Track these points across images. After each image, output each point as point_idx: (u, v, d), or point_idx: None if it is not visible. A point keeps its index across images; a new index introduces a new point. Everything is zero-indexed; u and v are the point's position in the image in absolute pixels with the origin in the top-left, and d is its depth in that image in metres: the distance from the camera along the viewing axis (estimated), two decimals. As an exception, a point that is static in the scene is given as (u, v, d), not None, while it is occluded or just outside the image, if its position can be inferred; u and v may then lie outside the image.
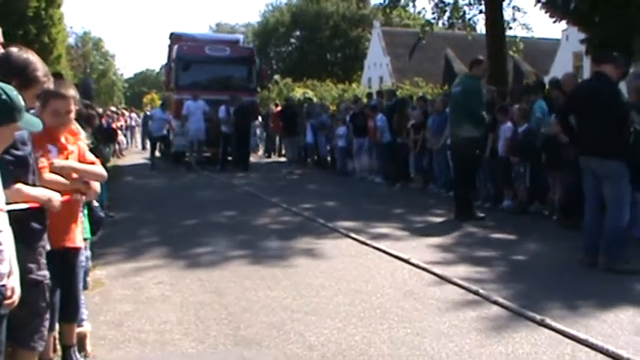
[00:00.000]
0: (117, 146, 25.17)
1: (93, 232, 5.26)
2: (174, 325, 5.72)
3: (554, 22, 19.96)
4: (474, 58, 12.12)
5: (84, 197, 4.53)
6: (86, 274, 5.40)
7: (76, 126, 4.69)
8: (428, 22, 26.68)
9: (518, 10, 24.66)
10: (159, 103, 27.89)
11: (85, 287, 5.33)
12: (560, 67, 30.31)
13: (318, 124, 21.35)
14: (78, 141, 4.54)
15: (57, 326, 4.50)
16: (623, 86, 8.42)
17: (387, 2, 25.87)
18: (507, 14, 23.57)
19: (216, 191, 15.74)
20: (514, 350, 5.07)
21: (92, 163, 4.53)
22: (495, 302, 6.27)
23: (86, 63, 77.47)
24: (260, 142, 29.46)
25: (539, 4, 19.49)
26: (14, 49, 3.74)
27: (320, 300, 6.46)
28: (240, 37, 32.10)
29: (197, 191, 15.64)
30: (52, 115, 4.20)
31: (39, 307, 3.73)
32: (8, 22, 27.25)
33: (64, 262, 4.34)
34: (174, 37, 25.31)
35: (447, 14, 25.70)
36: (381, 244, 8.93)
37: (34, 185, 3.64)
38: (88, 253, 5.44)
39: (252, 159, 23.21)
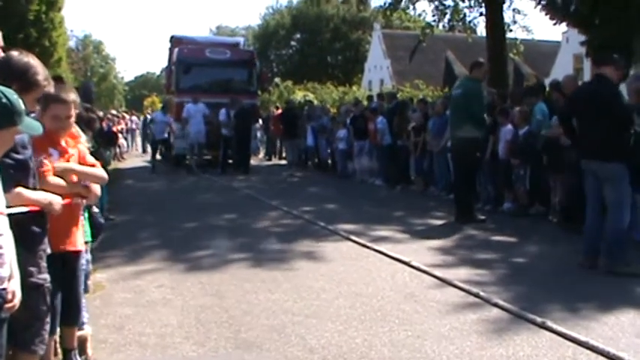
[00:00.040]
0: (117, 149, 25.18)
1: (93, 237, 5.26)
2: (175, 329, 5.72)
3: (555, 24, 19.98)
4: (474, 60, 12.13)
5: (84, 200, 4.54)
6: (87, 277, 5.40)
7: (76, 129, 4.69)
8: (428, 25, 26.70)
9: (519, 12, 24.71)
10: (159, 106, 27.92)
11: (86, 290, 5.33)
12: (561, 70, 30.31)
13: (318, 126, 21.36)
14: (78, 144, 4.55)
15: (58, 330, 4.50)
16: (623, 88, 8.41)
17: (387, 5, 25.86)
18: (508, 17, 23.59)
19: (217, 194, 15.74)
20: (515, 353, 5.07)
21: (93, 166, 4.54)
22: (496, 305, 6.27)
23: (87, 66, 77.52)
24: (261, 144, 29.47)
25: (540, 6, 19.51)
26: (15, 53, 3.75)
27: (321, 303, 6.46)
28: (241, 39, 32.09)
29: (197, 194, 15.65)
30: (53, 120, 4.21)
31: (40, 311, 3.73)
32: (9, 25, 27.29)
33: (64, 265, 4.35)
34: (175, 40, 25.31)
35: (448, 17, 25.70)
36: (382, 247, 8.93)
37: (34, 189, 3.65)
38: (89, 256, 5.44)
39: (253, 162, 23.22)
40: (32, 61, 3.73)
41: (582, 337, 5.25)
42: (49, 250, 3.85)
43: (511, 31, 24.15)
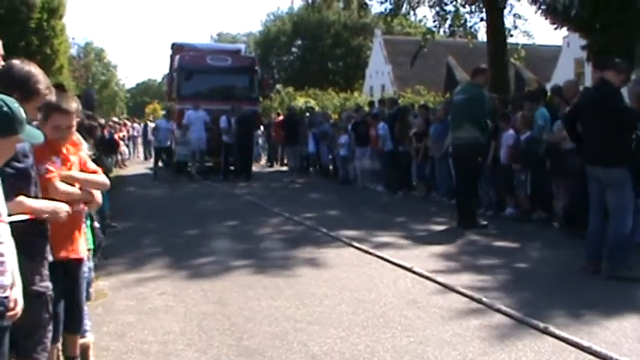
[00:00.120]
0: (119, 157, 25.20)
1: (94, 249, 5.27)
2: (178, 336, 5.72)
3: (556, 28, 20.03)
4: (476, 66, 12.14)
5: (86, 208, 4.54)
6: (89, 284, 5.41)
7: (77, 137, 4.69)
8: (429, 30, 26.70)
9: (520, 17, 24.63)
10: (161, 113, 27.94)
11: (88, 298, 5.34)
12: (562, 74, 30.31)
13: (320, 133, 21.37)
14: (79, 152, 4.55)
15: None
16: (624, 92, 8.41)
17: (388, 11, 25.85)
18: (508, 22, 23.56)
19: (219, 201, 15.74)
20: (517, 358, 5.06)
21: (94, 172, 4.54)
22: (498, 310, 6.26)
23: (88, 74, 77.65)
24: (262, 151, 29.49)
25: (540, 11, 19.53)
26: (16, 62, 3.75)
27: (323, 309, 6.45)
28: (242, 46, 32.16)
29: (199, 201, 15.65)
30: (54, 130, 4.20)
31: (42, 319, 3.73)
32: (10, 33, 27.39)
33: (66, 273, 4.35)
34: (176, 48, 25.35)
35: (448, 22, 25.69)
36: (384, 253, 8.92)
37: (36, 197, 3.65)
38: (91, 264, 5.45)
39: (255, 168, 23.25)
40: (33, 69, 3.74)
41: (585, 343, 5.24)
42: (51, 258, 3.85)
43: (512, 36, 24.16)
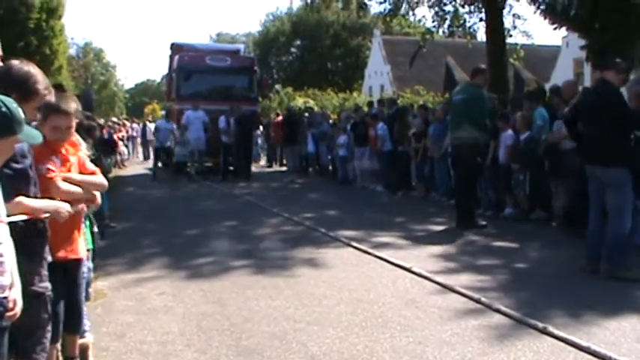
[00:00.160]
0: (118, 157, 25.20)
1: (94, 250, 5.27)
2: (177, 336, 5.72)
3: (555, 28, 20.00)
4: (476, 67, 12.14)
5: (85, 208, 4.54)
6: (88, 285, 5.40)
7: (76, 137, 4.69)
8: (428, 31, 26.67)
9: (519, 17, 24.61)
10: (160, 113, 27.93)
11: (87, 298, 5.33)
12: (561, 74, 30.33)
13: (319, 133, 21.37)
14: (78, 152, 4.55)
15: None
16: (623, 92, 8.41)
17: (387, 11, 25.84)
18: (507, 22, 23.55)
19: (218, 201, 15.74)
20: (516, 358, 5.06)
21: (93, 173, 4.53)
22: (497, 310, 6.26)
23: (87, 74, 77.69)
24: (261, 151, 29.49)
25: (539, 11, 19.52)
26: (15, 62, 3.75)
27: (322, 309, 6.45)
28: (241, 46, 32.15)
29: (198, 201, 15.65)
30: (53, 130, 4.19)
31: (41, 319, 3.73)
32: (9, 33, 27.41)
33: (66, 273, 4.35)
34: (175, 48, 25.35)
35: (447, 22, 25.65)
36: (383, 253, 8.93)
37: (35, 198, 3.64)
38: (90, 264, 5.44)
39: (254, 168, 23.25)
40: (32, 70, 3.74)
41: (584, 343, 5.24)
42: (50, 259, 3.85)
43: (511, 36, 24.15)
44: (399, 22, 42.90)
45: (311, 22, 62.71)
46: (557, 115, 10.93)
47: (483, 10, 22.70)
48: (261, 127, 27.68)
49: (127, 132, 33.90)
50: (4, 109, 2.95)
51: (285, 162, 25.65)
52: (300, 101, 38.48)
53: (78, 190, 4.29)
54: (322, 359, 5.11)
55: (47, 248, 3.81)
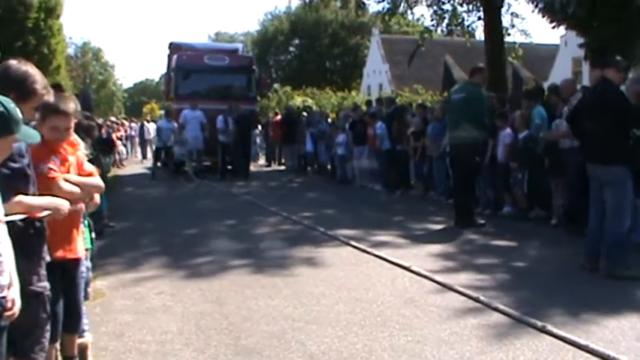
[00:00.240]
0: (117, 156, 25.18)
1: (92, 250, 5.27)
2: (175, 336, 5.72)
3: (553, 27, 20.02)
4: (474, 66, 12.16)
5: (84, 208, 4.54)
6: (87, 284, 5.39)
7: (74, 137, 4.68)
8: (427, 29, 26.65)
9: (517, 16, 24.62)
10: (158, 113, 27.90)
11: (86, 298, 5.33)
12: (560, 73, 30.33)
13: (317, 132, 21.37)
14: (76, 152, 4.54)
15: (58, 337, 4.50)
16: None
17: (385, 10, 25.82)
18: (506, 20, 23.53)
19: (216, 200, 15.74)
20: (515, 357, 5.06)
21: (90, 174, 4.53)
22: (496, 309, 6.27)
23: (86, 73, 77.60)
24: (260, 150, 29.48)
25: (538, 10, 19.53)
26: (13, 62, 3.74)
27: (321, 308, 6.45)
28: (240, 46, 32.16)
29: (197, 200, 15.64)
30: (51, 131, 4.17)
31: (39, 319, 3.73)
32: (8, 33, 27.44)
33: (64, 273, 4.34)
34: (174, 47, 25.33)
35: (446, 21, 25.64)
36: (382, 252, 8.93)
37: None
38: (89, 263, 5.43)
39: (253, 168, 23.23)
40: (30, 69, 3.73)
41: (582, 341, 5.25)
42: (48, 258, 3.85)
43: (509, 35, 24.14)
44: (397, 21, 43.01)
45: (309, 21, 62.71)
46: (555, 114, 10.93)
47: (482, 8, 22.68)
48: (259, 127, 27.66)
49: (126, 131, 33.88)
50: (1, 108, 2.95)
51: (283, 161, 25.63)
52: (298, 100, 38.48)
53: (79, 190, 4.28)
54: (321, 358, 5.11)
55: (46, 248, 3.81)
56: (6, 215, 3.16)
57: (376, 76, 49.67)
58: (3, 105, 2.96)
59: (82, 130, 5.66)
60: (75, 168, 4.40)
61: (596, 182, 7.84)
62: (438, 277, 7.49)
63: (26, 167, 3.60)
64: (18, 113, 3.03)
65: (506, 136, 11.93)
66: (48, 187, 3.93)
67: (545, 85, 16.71)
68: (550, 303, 6.51)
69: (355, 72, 58.78)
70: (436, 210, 13.25)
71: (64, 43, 38.15)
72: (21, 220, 3.42)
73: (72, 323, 4.55)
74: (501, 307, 6.30)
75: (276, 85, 46.89)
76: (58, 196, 3.88)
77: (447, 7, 25.21)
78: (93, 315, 6.01)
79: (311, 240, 10.16)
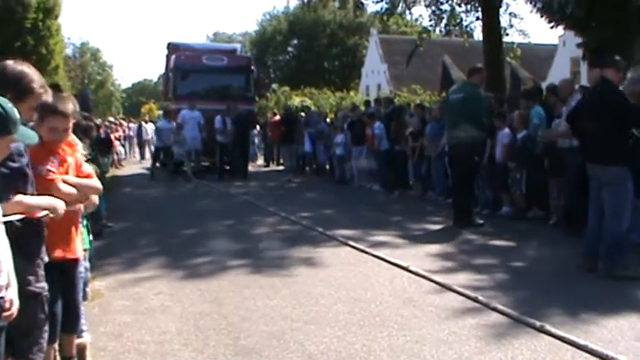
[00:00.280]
0: (115, 157, 25.16)
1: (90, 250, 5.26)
2: (174, 336, 5.71)
3: (551, 27, 20.02)
4: (472, 66, 12.15)
5: (82, 208, 4.53)
6: (85, 285, 5.39)
7: (72, 137, 4.68)
8: (425, 30, 26.64)
9: (515, 16, 24.65)
10: (157, 113, 27.87)
11: (85, 298, 5.32)
12: (558, 73, 30.32)
13: (316, 132, 21.37)
14: (75, 152, 4.53)
15: (56, 338, 4.49)
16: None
17: (384, 10, 25.83)
18: (504, 21, 23.55)
19: (215, 200, 15.73)
20: (514, 357, 5.06)
21: (88, 176, 4.52)
22: (495, 309, 6.27)
23: (84, 73, 77.50)
24: (258, 150, 29.47)
25: (536, 10, 19.54)
26: (9, 62, 3.73)
27: (319, 308, 6.45)
28: (238, 46, 32.15)
29: (196, 200, 15.64)
30: (50, 132, 4.15)
31: (38, 319, 3.72)
32: (6, 33, 27.42)
33: (63, 273, 4.33)
34: (172, 47, 25.33)
35: (444, 21, 25.67)
36: (380, 252, 8.92)
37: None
38: (87, 264, 5.43)
39: (251, 168, 23.25)
40: (27, 69, 3.71)
41: (581, 341, 5.25)
42: (46, 258, 3.84)
43: (508, 35, 24.16)
44: (395, 21, 43.01)
45: (308, 21, 62.71)
46: (553, 114, 10.94)
47: (480, 8, 22.70)
48: (258, 127, 27.65)
49: (124, 132, 33.85)
50: (-1, 108, 2.95)
51: (282, 161, 25.65)
52: (297, 100, 38.50)
53: (74, 191, 4.27)
54: (320, 358, 5.11)
55: (44, 248, 3.80)
56: (5, 215, 3.16)
57: (374, 76, 49.64)
58: (0, 105, 2.96)
59: (81, 131, 5.65)
60: (74, 169, 4.39)
61: (596, 182, 7.84)
62: (436, 277, 7.49)
63: (25, 167, 3.59)
64: (16, 113, 3.03)
65: (505, 136, 11.94)
66: (46, 188, 3.92)
67: (544, 85, 16.70)
68: (549, 303, 6.51)
69: (353, 72, 58.75)
70: (434, 210, 13.25)
71: (62, 43, 38.11)
72: (19, 220, 3.41)
73: (70, 323, 4.54)
74: (500, 307, 6.30)
75: (274, 86, 46.90)
76: (56, 197, 3.87)
77: (446, 7, 25.27)
78: (91, 315, 6.01)
79: (309, 240, 10.15)
